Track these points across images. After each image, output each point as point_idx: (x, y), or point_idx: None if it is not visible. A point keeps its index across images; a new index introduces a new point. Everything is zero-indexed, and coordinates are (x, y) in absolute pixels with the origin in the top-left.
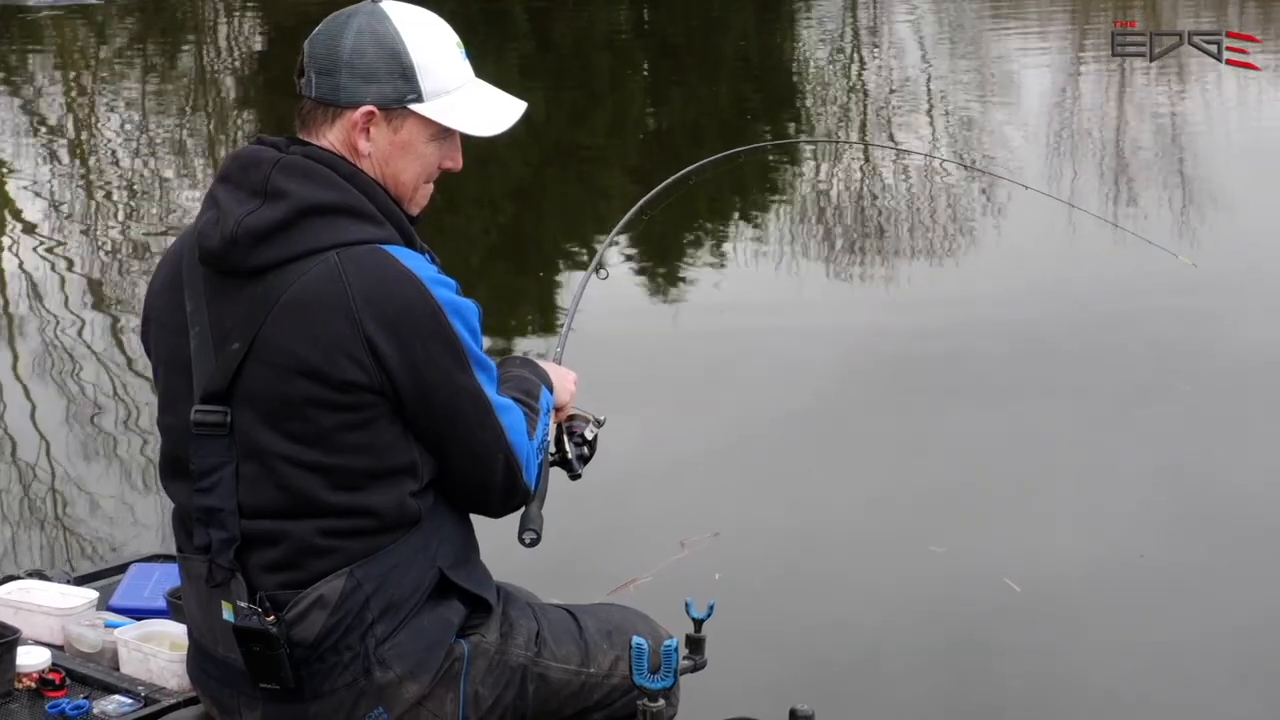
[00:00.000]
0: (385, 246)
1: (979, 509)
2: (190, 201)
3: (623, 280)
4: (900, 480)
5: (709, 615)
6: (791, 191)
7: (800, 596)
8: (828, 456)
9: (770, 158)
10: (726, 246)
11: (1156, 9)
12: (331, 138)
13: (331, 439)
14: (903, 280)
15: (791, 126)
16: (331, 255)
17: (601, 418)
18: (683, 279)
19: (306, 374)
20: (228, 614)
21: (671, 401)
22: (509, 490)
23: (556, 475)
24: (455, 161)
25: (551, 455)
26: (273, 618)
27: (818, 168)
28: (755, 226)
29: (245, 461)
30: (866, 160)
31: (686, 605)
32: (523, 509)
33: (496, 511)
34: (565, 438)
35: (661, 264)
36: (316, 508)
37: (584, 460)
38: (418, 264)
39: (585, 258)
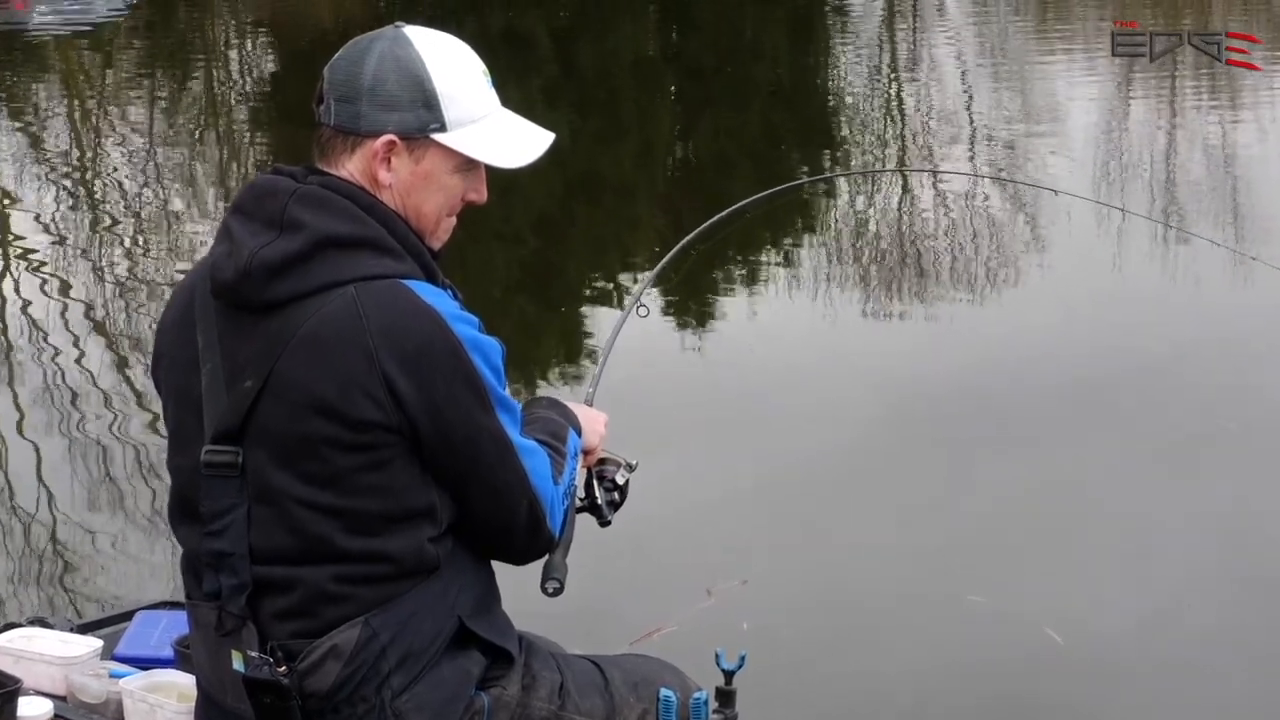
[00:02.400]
0: (405, 281)
1: (1020, 557)
2: (201, 233)
3: (652, 316)
4: (937, 526)
5: (740, 667)
6: (827, 223)
7: (833, 647)
8: (861, 501)
9: (806, 189)
10: (759, 281)
11: (1207, 21)
12: (351, 168)
13: (347, 480)
14: (942, 317)
15: (827, 155)
16: (350, 289)
17: (633, 462)
18: (713, 314)
19: (322, 412)
20: (238, 664)
21: (700, 443)
22: (532, 536)
23: (585, 521)
24: (480, 194)
25: (581, 501)
26: (285, 668)
27: (854, 199)
28: (789, 260)
29: (257, 504)
30: (905, 191)
31: (716, 656)
32: (546, 557)
33: (519, 558)
34: (595, 483)
35: (692, 299)
36: (331, 553)
37: (614, 506)
38: (438, 299)
39: (612, 291)
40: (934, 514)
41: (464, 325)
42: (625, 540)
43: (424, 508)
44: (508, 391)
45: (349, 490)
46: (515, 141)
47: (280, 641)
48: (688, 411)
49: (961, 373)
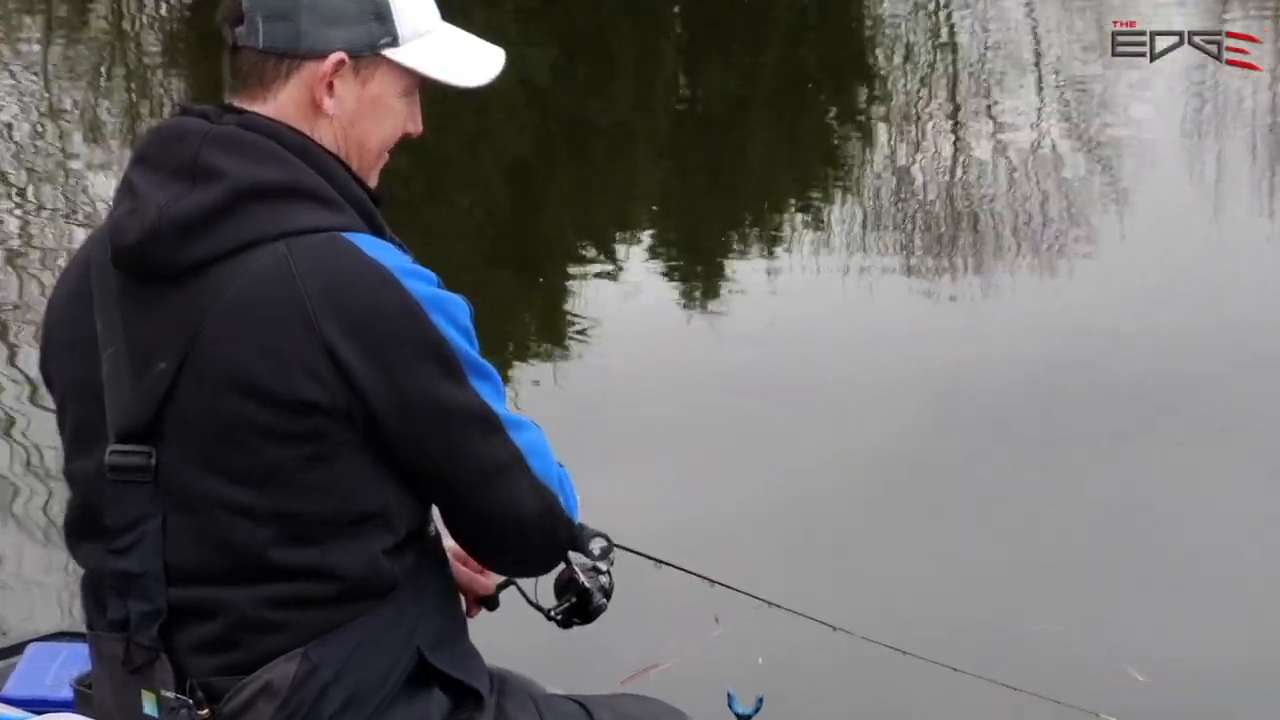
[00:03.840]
0: (346, 234)
1: (1094, 580)
2: (105, 187)
3: (650, 287)
4: (995, 543)
5: (757, 710)
6: (863, 177)
7: (867, 686)
8: (902, 512)
9: (835, 132)
10: (778, 245)
11: None
12: (285, 98)
13: (283, 478)
14: (1002, 290)
15: (862, 96)
16: (279, 246)
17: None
18: (724, 285)
19: (251, 395)
20: (150, 706)
21: (708, 440)
22: (548, 529)
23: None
24: (417, 124)
25: (559, 605)
26: (207, 711)
27: (895, 147)
28: (815, 219)
29: (174, 513)
30: (957, 138)
31: (729, 698)
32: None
33: (538, 560)
34: (575, 572)
35: (698, 265)
36: (263, 569)
37: (606, 593)
38: (386, 254)
39: (599, 258)
40: (990, 529)
41: (419, 281)
42: (619, 560)
43: (376, 510)
44: (481, 356)
45: (286, 490)
46: (469, 57)
47: (201, 679)
48: (693, 402)
49: (1024, 359)
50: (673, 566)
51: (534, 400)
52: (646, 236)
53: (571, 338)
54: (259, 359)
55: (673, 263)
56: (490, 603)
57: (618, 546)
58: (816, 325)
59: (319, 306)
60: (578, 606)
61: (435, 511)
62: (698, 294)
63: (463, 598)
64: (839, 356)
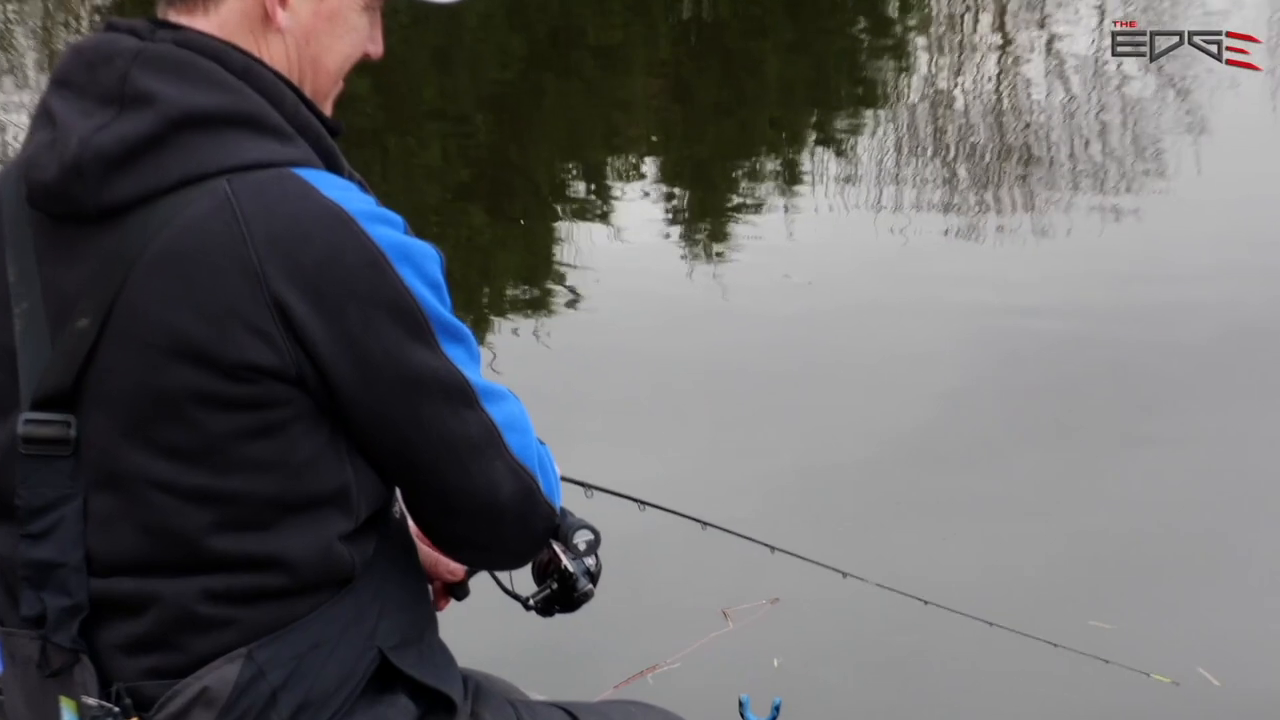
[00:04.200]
0: (298, 171)
1: (1162, 572)
2: (18, 120)
3: (648, 231)
4: (1047, 529)
5: (773, 719)
6: (896, 101)
7: (897, 690)
8: (939, 494)
9: (862, 47)
10: (798, 183)
11: None
12: (228, 10)
13: (225, 453)
14: (1057, 235)
15: (893, 5)
16: (221, 184)
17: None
18: (733, 229)
19: (188, 356)
20: (69, 715)
21: (714, 413)
22: (525, 515)
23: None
24: (378, 44)
25: (539, 592)
26: None
27: (933, 64)
28: (841, 152)
29: (98, 493)
30: (1004, 53)
31: (741, 705)
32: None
33: (513, 551)
34: (557, 555)
35: (703, 206)
36: (201, 557)
37: (593, 577)
38: (345, 194)
39: (590, 197)
40: (1041, 512)
41: (383, 226)
42: (614, 549)
43: (333, 490)
44: (454, 313)
45: (227, 467)
46: None
47: (129, 683)
48: (694, 365)
49: (1083, 315)
50: (657, 507)
51: (513, 365)
52: (645, 172)
53: (557, 291)
54: (196, 315)
55: (674, 203)
56: (459, 590)
57: (596, 489)
58: (837, 279)
59: (266, 256)
60: (560, 593)
61: (400, 492)
62: (702, 239)
63: (429, 587)
64: (867, 311)
